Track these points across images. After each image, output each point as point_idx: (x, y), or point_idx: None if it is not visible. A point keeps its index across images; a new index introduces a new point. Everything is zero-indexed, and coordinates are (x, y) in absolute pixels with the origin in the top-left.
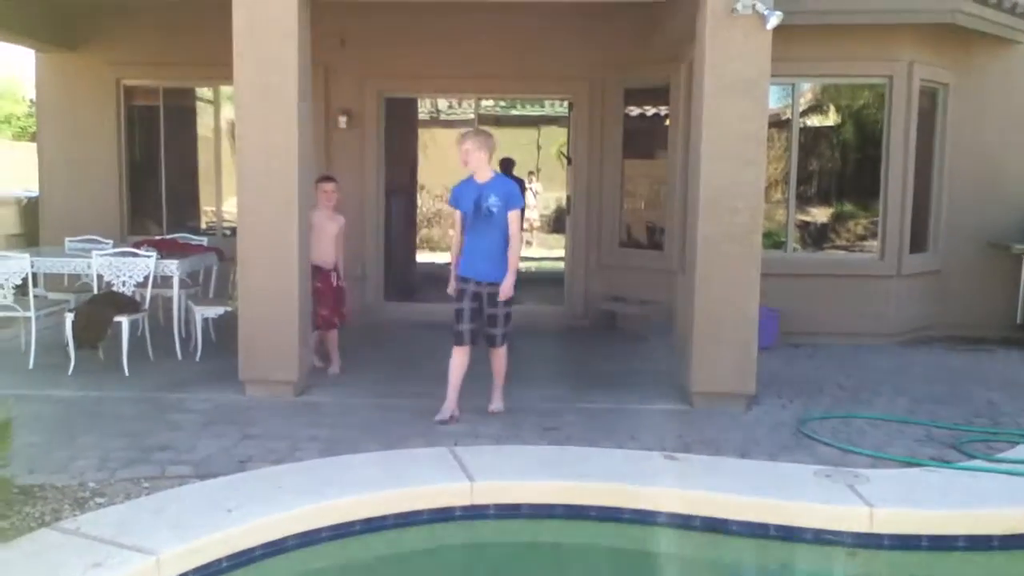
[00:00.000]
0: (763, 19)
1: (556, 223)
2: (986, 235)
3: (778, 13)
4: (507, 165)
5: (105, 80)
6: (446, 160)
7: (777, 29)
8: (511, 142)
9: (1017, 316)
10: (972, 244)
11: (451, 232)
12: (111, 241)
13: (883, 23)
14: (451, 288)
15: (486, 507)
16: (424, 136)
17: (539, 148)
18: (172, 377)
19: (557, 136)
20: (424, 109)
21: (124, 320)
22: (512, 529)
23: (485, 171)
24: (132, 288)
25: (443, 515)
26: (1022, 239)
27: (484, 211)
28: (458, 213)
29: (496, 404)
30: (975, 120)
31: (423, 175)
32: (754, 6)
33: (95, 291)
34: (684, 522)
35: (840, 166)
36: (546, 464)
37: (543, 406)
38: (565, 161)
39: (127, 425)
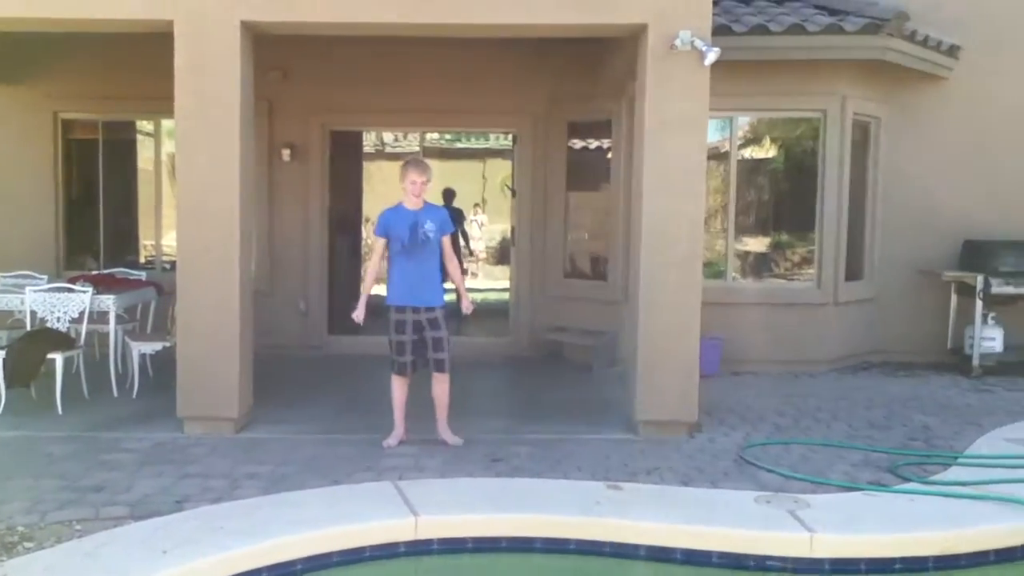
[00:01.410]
0: (701, 55)
1: (501, 254)
2: (918, 263)
3: (716, 49)
4: (449, 196)
5: (42, 113)
6: (392, 192)
7: (715, 65)
8: (456, 174)
9: (948, 341)
10: (905, 272)
11: (367, 263)
12: (46, 276)
13: (817, 59)
14: (358, 315)
15: (430, 542)
16: (369, 168)
17: (484, 180)
18: (108, 415)
19: (502, 168)
20: (369, 142)
21: (58, 357)
22: (457, 563)
23: (420, 200)
24: (67, 324)
25: (387, 551)
26: (951, 266)
27: (421, 237)
28: (382, 242)
29: (454, 438)
30: (907, 152)
31: (368, 207)
32: (692, 43)
33: (28, 328)
34: (629, 552)
35: (777, 197)
36: (491, 496)
37: (489, 437)
38: (509, 193)
39: (60, 466)
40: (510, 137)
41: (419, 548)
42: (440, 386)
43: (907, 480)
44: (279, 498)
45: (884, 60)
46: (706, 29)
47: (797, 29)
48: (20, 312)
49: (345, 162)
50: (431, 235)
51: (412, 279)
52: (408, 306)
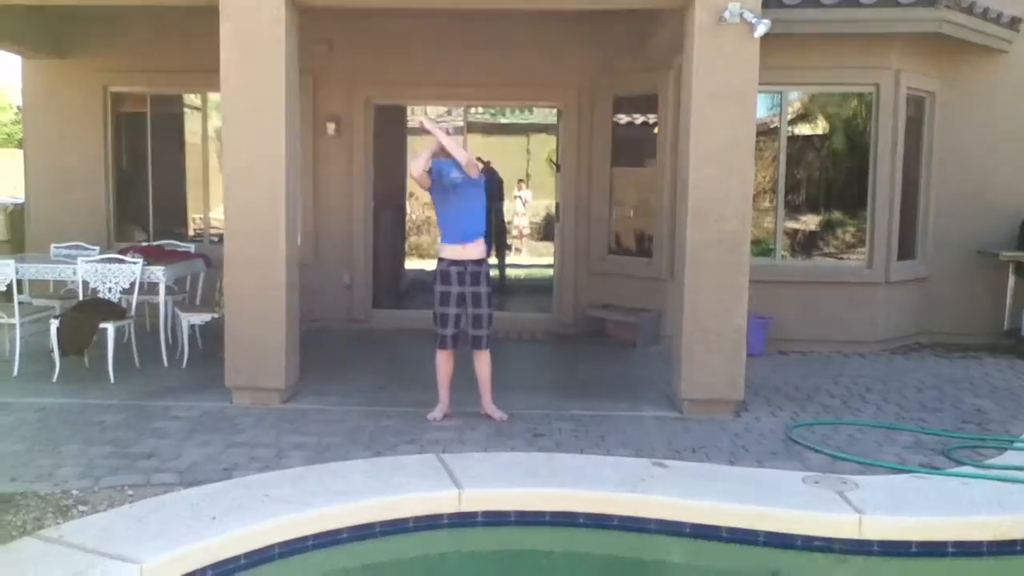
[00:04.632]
0: (751, 27)
1: (545, 230)
2: (973, 242)
3: (766, 22)
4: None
5: (92, 87)
6: None
7: (765, 38)
8: (501, 149)
9: (1005, 323)
10: (959, 251)
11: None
12: (97, 247)
13: (870, 32)
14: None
15: (474, 515)
16: (413, 143)
17: (529, 155)
18: (158, 384)
19: (547, 144)
20: (413, 116)
21: (110, 327)
22: (500, 537)
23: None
24: (118, 295)
25: (431, 523)
26: (1009, 246)
27: (448, 183)
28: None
29: (499, 412)
30: (962, 128)
31: (412, 182)
32: (742, 15)
33: (81, 298)
34: (674, 529)
35: (828, 174)
36: (535, 471)
37: (532, 413)
38: (554, 168)
39: (112, 433)
40: (555, 112)
41: (463, 521)
42: (481, 363)
43: (961, 463)
44: (324, 468)
45: (940, 33)
46: (756, 1)
47: (850, 2)
48: (72, 282)
49: (389, 136)
50: (457, 180)
51: (454, 217)
52: (454, 259)
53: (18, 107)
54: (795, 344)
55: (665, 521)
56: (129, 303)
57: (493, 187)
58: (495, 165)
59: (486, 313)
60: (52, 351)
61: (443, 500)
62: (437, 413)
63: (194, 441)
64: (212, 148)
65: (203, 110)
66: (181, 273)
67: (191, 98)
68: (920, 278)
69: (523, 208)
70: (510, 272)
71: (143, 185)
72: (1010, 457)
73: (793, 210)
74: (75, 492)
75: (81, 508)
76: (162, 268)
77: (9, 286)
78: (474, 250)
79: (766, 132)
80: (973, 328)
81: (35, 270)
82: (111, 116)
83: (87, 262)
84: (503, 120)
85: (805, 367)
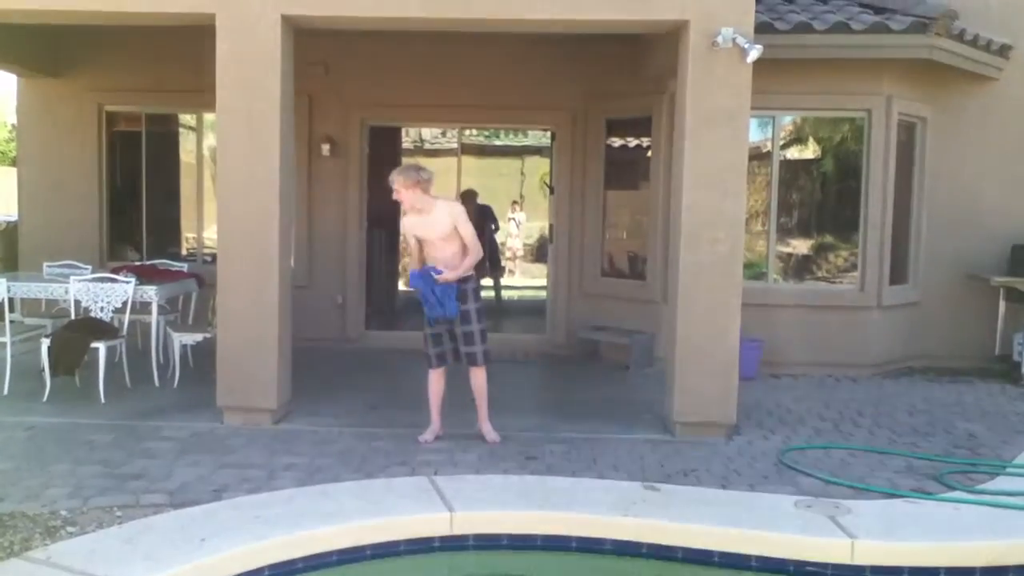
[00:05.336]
0: (744, 52)
1: (539, 252)
2: (965, 267)
3: (758, 47)
4: (469, 197)
5: (87, 106)
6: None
7: (758, 63)
8: (494, 171)
9: (996, 348)
10: (951, 276)
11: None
12: (90, 266)
13: (862, 58)
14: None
15: (466, 537)
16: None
17: (523, 177)
18: (149, 404)
19: (541, 166)
20: (408, 138)
21: (101, 346)
22: (492, 560)
23: (427, 202)
24: (110, 314)
25: (422, 546)
26: (1000, 271)
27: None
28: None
29: (492, 434)
30: (953, 153)
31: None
32: (735, 40)
33: (72, 317)
34: (666, 553)
35: (820, 198)
36: (527, 494)
37: (524, 435)
38: (548, 191)
39: (102, 453)
40: (549, 134)
41: (454, 544)
42: (476, 380)
43: (952, 488)
44: (315, 490)
45: (931, 60)
46: (748, 26)
47: (842, 27)
48: (65, 301)
49: (383, 157)
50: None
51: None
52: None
53: (12, 125)
54: (787, 367)
55: (657, 545)
56: (121, 322)
57: (479, 214)
58: (487, 188)
59: (477, 329)
60: (43, 370)
61: (434, 523)
62: (428, 435)
63: (184, 462)
64: (207, 168)
65: (198, 129)
66: (173, 293)
67: (186, 117)
68: (912, 302)
69: (517, 230)
70: (504, 293)
71: (137, 204)
72: (1002, 482)
73: (785, 233)
74: (64, 513)
75: (70, 529)
76: (154, 287)
77: (0, 304)
78: None
79: (759, 156)
80: (964, 353)
81: (27, 288)
82: (105, 135)
83: (79, 281)
84: (497, 142)
85: (797, 390)
